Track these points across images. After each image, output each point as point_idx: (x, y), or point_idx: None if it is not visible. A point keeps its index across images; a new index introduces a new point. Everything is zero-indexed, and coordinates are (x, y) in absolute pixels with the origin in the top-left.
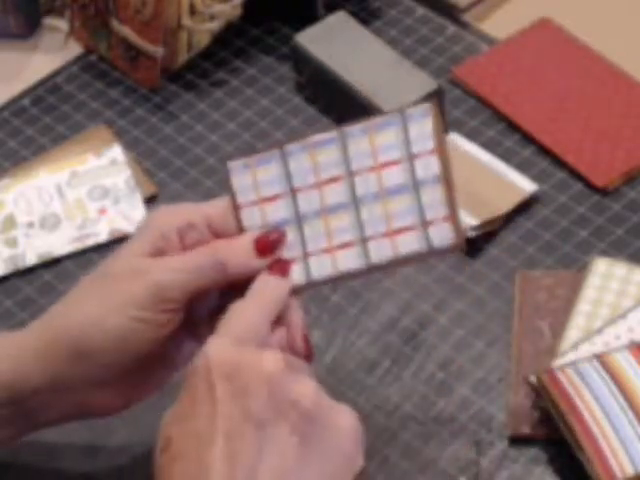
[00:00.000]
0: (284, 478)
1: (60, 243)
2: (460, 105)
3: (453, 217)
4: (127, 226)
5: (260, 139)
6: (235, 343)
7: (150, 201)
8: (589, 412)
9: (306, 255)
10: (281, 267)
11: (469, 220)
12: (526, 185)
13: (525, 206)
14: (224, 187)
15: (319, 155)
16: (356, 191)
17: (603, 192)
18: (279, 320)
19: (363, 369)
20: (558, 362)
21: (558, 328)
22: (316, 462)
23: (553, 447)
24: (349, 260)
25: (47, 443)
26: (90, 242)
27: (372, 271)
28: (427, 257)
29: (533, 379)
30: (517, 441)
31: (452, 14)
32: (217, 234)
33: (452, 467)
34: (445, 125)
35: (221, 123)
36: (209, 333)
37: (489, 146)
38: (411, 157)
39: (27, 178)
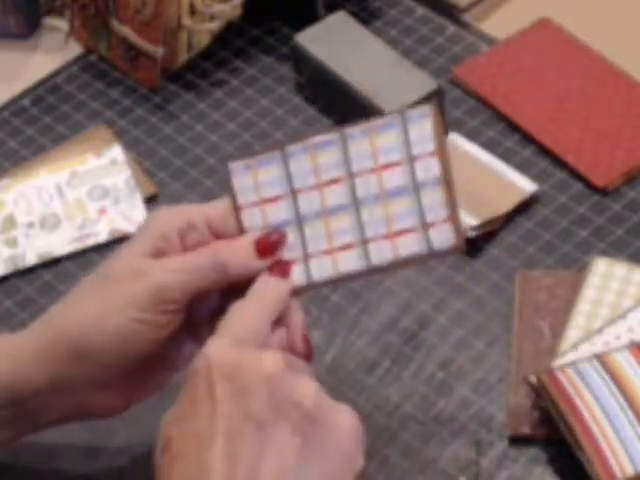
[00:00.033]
0: (284, 478)
1: (60, 243)
2: (460, 105)
3: (453, 219)
4: (127, 226)
5: (260, 139)
6: (235, 344)
7: (150, 201)
8: (589, 412)
9: (306, 256)
10: (281, 268)
11: (469, 220)
12: (526, 185)
13: (525, 206)
14: (224, 187)
15: (320, 156)
16: (356, 193)
17: (603, 192)
18: (279, 321)
19: (363, 369)
20: (558, 362)
21: (558, 328)
22: (317, 462)
23: (553, 447)
24: (349, 261)
25: (47, 444)
26: (90, 242)
27: (372, 273)
28: (427, 259)
29: (533, 379)
30: (517, 441)
31: (452, 14)
32: (217, 235)
33: (452, 467)
34: (445, 125)
35: (221, 123)
36: (209, 334)
37: (489, 146)
38: (411, 159)
39: (27, 178)
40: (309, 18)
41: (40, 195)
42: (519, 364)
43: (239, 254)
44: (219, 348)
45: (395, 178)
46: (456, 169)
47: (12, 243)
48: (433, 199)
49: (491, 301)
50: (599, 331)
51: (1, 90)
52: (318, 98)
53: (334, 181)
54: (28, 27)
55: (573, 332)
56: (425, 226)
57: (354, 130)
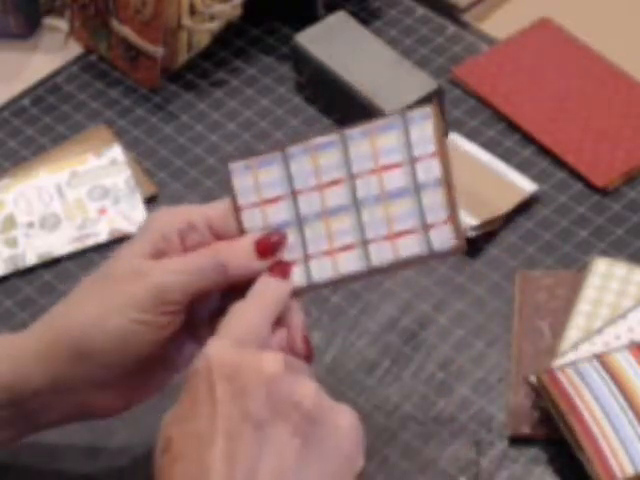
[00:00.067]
0: (284, 478)
1: (60, 243)
2: (460, 105)
3: (454, 220)
4: (127, 226)
5: (260, 139)
6: (235, 344)
7: (150, 201)
8: (589, 412)
9: (307, 257)
10: (282, 269)
11: (469, 220)
12: (526, 185)
13: (525, 206)
14: (224, 188)
15: (320, 158)
16: (357, 194)
17: (603, 192)
18: (279, 322)
19: (363, 369)
20: (558, 362)
21: (558, 328)
22: (316, 462)
23: (553, 447)
24: (350, 262)
25: (47, 444)
26: (90, 242)
27: (373, 274)
28: (428, 260)
29: (533, 379)
30: (517, 441)
31: (452, 14)
32: (218, 236)
33: (452, 467)
34: (445, 125)
35: (221, 123)
36: (210, 335)
37: (489, 146)
38: (412, 160)
39: (27, 178)
40: (309, 18)
41: (40, 195)
42: (519, 364)
43: (239, 255)
44: (219, 349)
45: (396, 179)
46: (456, 169)
47: (12, 243)
48: (433, 200)
49: (491, 301)
50: (599, 331)
51: (1, 90)
52: (318, 98)
53: (335, 182)
54: (28, 27)
55: (573, 332)
56: (425, 227)
57: (355, 131)
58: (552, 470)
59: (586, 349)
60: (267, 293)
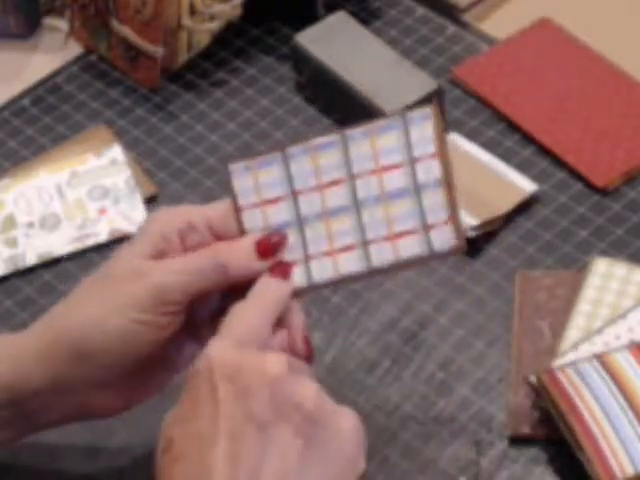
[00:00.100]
0: (286, 479)
1: (60, 243)
2: (460, 105)
3: (454, 220)
4: (127, 226)
5: (260, 139)
6: (237, 345)
7: (150, 201)
8: (589, 412)
9: (307, 258)
10: (282, 269)
11: (469, 220)
12: (526, 185)
13: (525, 206)
14: (225, 188)
15: (320, 158)
16: (357, 194)
17: (603, 192)
18: (280, 322)
19: (363, 369)
20: (558, 362)
21: (558, 328)
22: (318, 464)
23: (553, 447)
24: (350, 263)
25: (47, 444)
26: (90, 242)
27: (373, 274)
28: (428, 260)
29: (533, 379)
30: (517, 441)
31: (452, 14)
32: (218, 236)
33: (452, 467)
34: (445, 125)
35: (221, 123)
36: (210, 335)
37: (489, 146)
38: (412, 161)
39: (27, 178)
40: (309, 18)
41: (40, 195)
42: (519, 364)
43: (240, 255)
44: (221, 349)
45: (396, 180)
46: (456, 169)
47: (12, 243)
48: (434, 201)
49: (491, 301)
50: (599, 331)
51: (1, 90)
52: (318, 98)
53: (335, 183)
54: (28, 27)
55: (573, 332)
56: (426, 228)
57: (355, 132)
58: (552, 470)
59: (586, 349)
60: (268, 294)
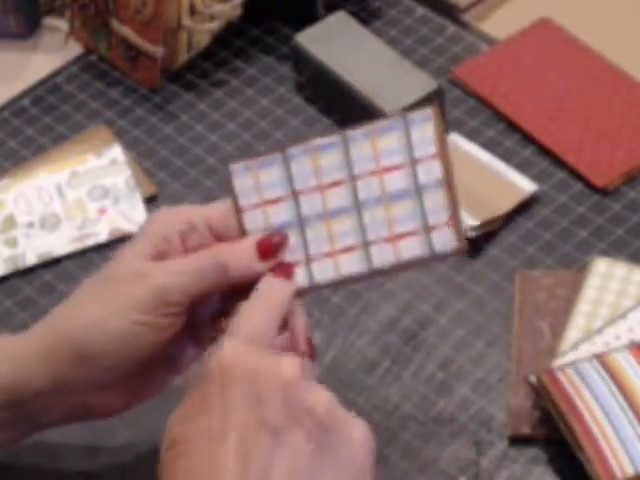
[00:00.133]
0: None
1: (60, 243)
2: (460, 105)
3: (455, 221)
4: (127, 226)
5: (260, 139)
6: (247, 343)
7: (150, 201)
8: (589, 412)
9: (309, 259)
10: (285, 270)
11: (469, 220)
12: (526, 185)
13: (525, 206)
14: (225, 188)
15: (321, 159)
16: (358, 195)
17: (603, 192)
18: (283, 323)
19: (363, 369)
20: (558, 362)
21: (558, 328)
22: (329, 471)
23: (553, 447)
24: (351, 264)
25: (48, 444)
26: (90, 242)
27: (374, 275)
28: (429, 262)
29: (533, 379)
30: (517, 441)
31: (452, 14)
32: (219, 237)
33: (452, 467)
34: (446, 126)
35: (221, 123)
36: (211, 336)
37: (489, 146)
38: (413, 162)
39: (27, 178)
40: (309, 18)
41: (40, 195)
42: (519, 364)
43: (240, 256)
44: (233, 349)
45: (397, 181)
46: (456, 169)
47: (12, 243)
48: (435, 202)
49: (491, 301)
50: (599, 331)
51: (1, 90)
52: (318, 98)
53: (336, 183)
54: (28, 27)
55: (573, 332)
56: (427, 229)
57: (356, 132)
58: (552, 470)
59: (586, 349)
60: (272, 294)
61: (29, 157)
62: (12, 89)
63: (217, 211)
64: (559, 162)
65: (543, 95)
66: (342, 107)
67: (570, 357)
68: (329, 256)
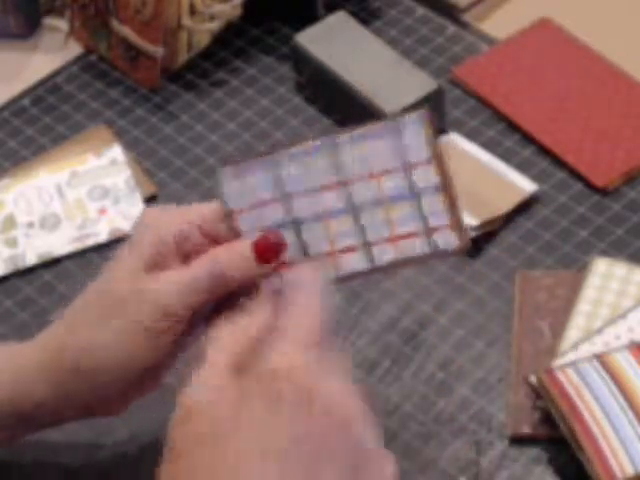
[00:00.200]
0: None
1: (60, 243)
2: (460, 105)
3: (456, 223)
4: (127, 226)
5: (260, 139)
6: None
7: (150, 201)
8: (589, 412)
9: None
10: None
11: (469, 220)
12: (526, 185)
13: (525, 206)
14: (217, 193)
15: (312, 164)
16: (354, 198)
17: (603, 192)
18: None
19: (363, 369)
20: (558, 362)
21: (558, 328)
22: None
23: (553, 447)
24: (352, 263)
25: (49, 440)
26: (90, 242)
27: (375, 272)
28: (430, 258)
29: (533, 379)
30: (517, 441)
31: (452, 14)
32: (210, 236)
33: (452, 467)
34: (444, 126)
35: (221, 123)
36: (207, 325)
37: (489, 146)
38: (408, 167)
39: (27, 178)
40: (309, 18)
41: (40, 195)
42: (519, 364)
43: (238, 260)
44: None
45: (393, 185)
46: (456, 169)
47: (12, 243)
48: (434, 206)
49: (491, 301)
50: (599, 331)
51: (1, 90)
52: (318, 98)
53: (328, 187)
54: (28, 27)
55: (573, 332)
56: (428, 230)
57: (346, 137)
58: (552, 470)
59: (586, 349)
60: (312, 288)
61: (29, 157)
62: (12, 89)
63: (210, 211)
64: (559, 162)
65: (543, 95)
66: (342, 107)
67: (570, 357)
68: (329, 255)
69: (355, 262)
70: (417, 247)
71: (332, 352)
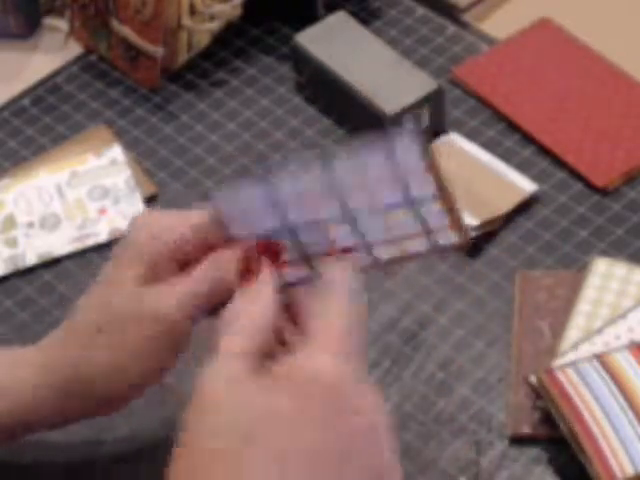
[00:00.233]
0: None
1: (60, 243)
2: (460, 105)
3: (457, 224)
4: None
5: (260, 139)
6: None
7: (150, 201)
8: (589, 412)
9: (308, 258)
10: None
11: (469, 220)
12: (526, 185)
13: (525, 206)
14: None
15: (308, 179)
16: (351, 212)
17: (603, 192)
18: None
19: None
20: (558, 362)
21: (558, 328)
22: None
23: (553, 447)
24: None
25: (49, 439)
26: (90, 242)
27: (375, 267)
28: (431, 254)
29: (533, 379)
30: (517, 441)
31: (452, 14)
32: (206, 242)
33: (452, 467)
34: (444, 126)
35: (221, 123)
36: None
37: (489, 146)
38: (403, 179)
39: (27, 178)
40: (309, 18)
41: (40, 195)
42: (519, 364)
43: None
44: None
45: (390, 202)
46: (456, 169)
47: (12, 243)
48: (433, 212)
49: (491, 301)
50: (599, 331)
51: (1, 90)
52: (318, 98)
53: (324, 200)
54: (28, 27)
55: (573, 332)
56: (429, 231)
57: (339, 153)
58: (552, 470)
59: (586, 349)
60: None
61: (29, 157)
62: (12, 89)
63: (200, 217)
64: (559, 162)
65: (543, 95)
66: (342, 107)
67: (570, 357)
68: (329, 255)
69: (356, 259)
70: (417, 245)
71: (360, 354)
